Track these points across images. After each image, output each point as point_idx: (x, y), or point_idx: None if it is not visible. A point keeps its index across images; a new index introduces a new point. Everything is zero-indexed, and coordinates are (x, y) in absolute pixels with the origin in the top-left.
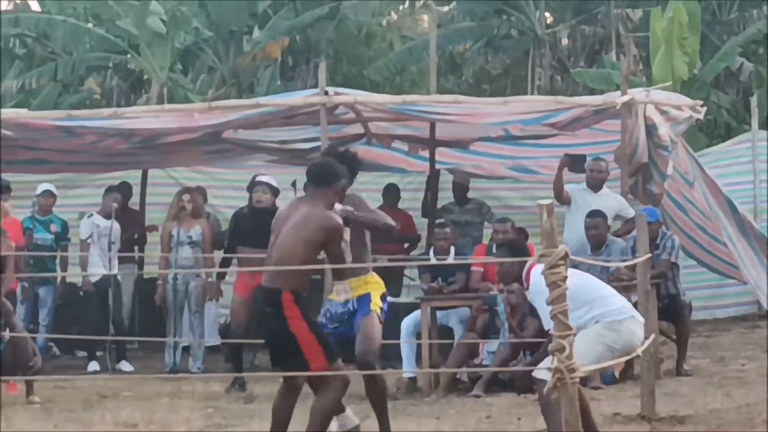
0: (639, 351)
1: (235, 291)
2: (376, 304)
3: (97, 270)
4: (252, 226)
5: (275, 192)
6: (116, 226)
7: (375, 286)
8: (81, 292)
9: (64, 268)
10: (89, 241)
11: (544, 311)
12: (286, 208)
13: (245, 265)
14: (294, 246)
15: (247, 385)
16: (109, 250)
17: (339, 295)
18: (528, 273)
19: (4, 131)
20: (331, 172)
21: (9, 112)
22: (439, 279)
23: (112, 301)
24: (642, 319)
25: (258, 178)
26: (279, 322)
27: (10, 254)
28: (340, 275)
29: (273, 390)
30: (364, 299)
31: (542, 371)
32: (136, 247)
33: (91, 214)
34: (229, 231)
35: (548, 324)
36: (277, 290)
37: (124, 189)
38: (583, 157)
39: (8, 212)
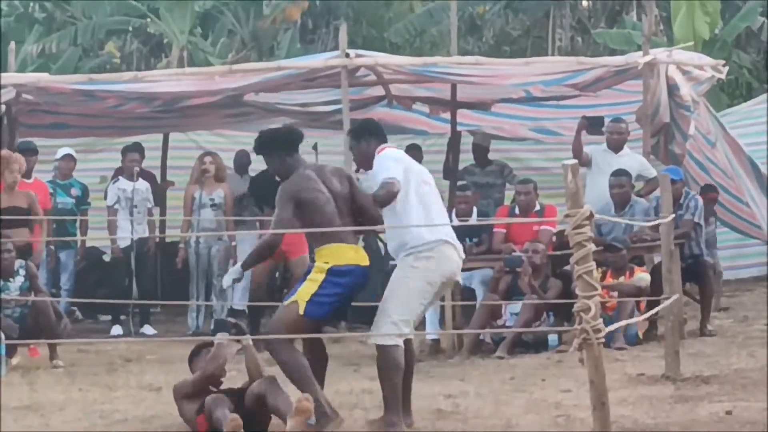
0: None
1: None
2: (302, 296)
3: (124, 235)
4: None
5: None
6: (141, 186)
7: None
8: (104, 257)
9: (85, 232)
10: (116, 206)
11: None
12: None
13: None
14: None
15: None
16: (131, 214)
17: None
18: None
19: (24, 95)
20: None
21: (30, 77)
22: (467, 239)
23: (135, 265)
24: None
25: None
26: None
27: (35, 218)
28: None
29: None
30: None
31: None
32: (158, 209)
33: (117, 179)
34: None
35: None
36: None
37: (139, 150)
38: (600, 119)
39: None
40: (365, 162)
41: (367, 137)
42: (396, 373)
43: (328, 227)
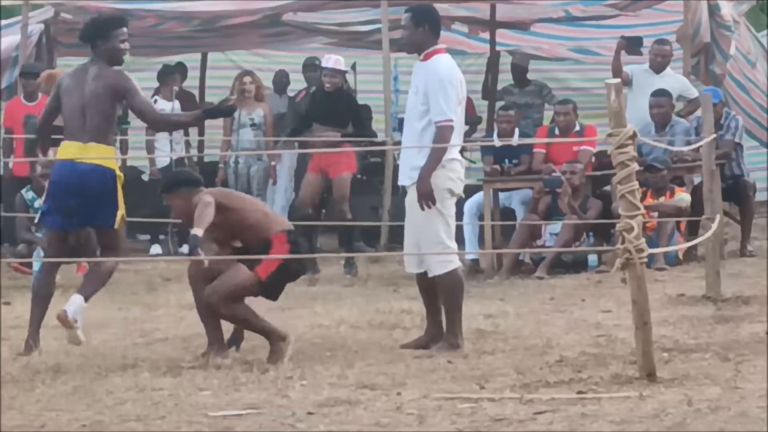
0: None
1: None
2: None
3: (162, 154)
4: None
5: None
6: (177, 107)
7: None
8: (142, 176)
9: (124, 152)
10: None
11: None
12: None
13: (316, 146)
14: None
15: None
16: (170, 134)
17: None
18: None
19: (63, 15)
20: None
21: None
22: (506, 161)
23: None
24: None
25: (325, 63)
26: None
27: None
28: None
29: (335, 272)
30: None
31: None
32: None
33: (156, 100)
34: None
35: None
36: None
37: (181, 71)
38: (639, 39)
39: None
40: (413, 48)
41: (427, 27)
42: (462, 293)
43: (65, 122)
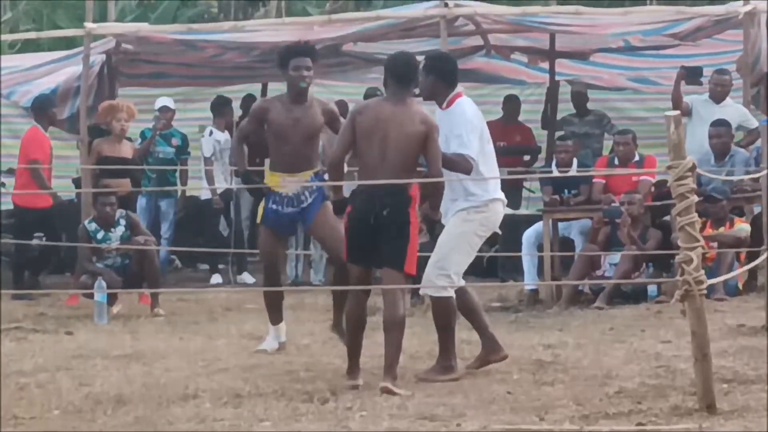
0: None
1: None
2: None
3: (220, 185)
4: None
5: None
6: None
7: None
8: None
9: (185, 182)
10: (213, 158)
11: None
12: (377, 110)
13: None
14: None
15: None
16: (230, 163)
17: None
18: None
19: (124, 45)
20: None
21: (130, 26)
22: (566, 191)
23: (234, 214)
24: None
25: None
26: (403, 223)
27: (135, 168)
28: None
29: None
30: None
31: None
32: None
33: (212, 132)
34: None
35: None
36: (405, 192)
37: (249, 102)
38: (699, 69)
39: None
40: (427, 95)
41: (438, 76)
42: (453, 320)
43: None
